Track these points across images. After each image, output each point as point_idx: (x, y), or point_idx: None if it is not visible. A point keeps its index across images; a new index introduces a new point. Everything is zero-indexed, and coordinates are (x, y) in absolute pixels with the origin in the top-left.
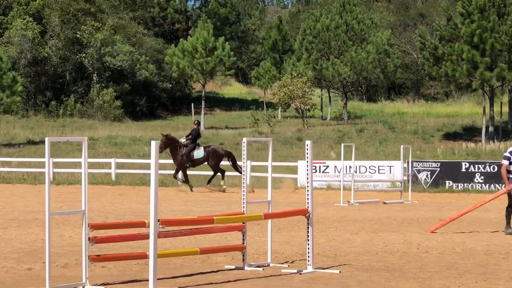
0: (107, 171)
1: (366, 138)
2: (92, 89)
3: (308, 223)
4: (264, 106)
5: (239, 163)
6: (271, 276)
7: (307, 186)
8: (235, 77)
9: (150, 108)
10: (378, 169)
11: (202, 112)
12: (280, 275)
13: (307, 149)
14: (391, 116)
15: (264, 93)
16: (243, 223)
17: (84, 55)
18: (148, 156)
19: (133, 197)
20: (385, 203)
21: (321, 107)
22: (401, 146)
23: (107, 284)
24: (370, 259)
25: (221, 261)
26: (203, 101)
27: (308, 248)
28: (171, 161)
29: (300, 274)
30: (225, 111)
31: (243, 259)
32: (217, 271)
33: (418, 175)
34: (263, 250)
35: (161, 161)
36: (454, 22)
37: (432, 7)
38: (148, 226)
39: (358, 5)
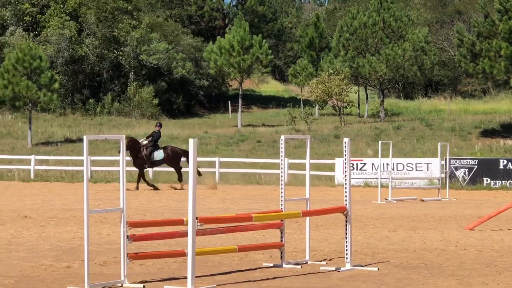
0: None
1: (403, 136)
2: (129, 87)
3: (346, 221)
4: (301, 104)
5: (276, 160)
6: (309, 273)
7: (345, 184)
8: (272, 75)
9: (187, 106)
10: (416, 167)
11: (239, 109)
12: (318, 272)
13: (345, 146)
14: (428, 114)
15: (301, 91)
16: (281, 220)
17: (120, 53)
18: None
19: (170, 195)
20: (422, 200)
21: (358, 105)
22: (439, 143)
23: (146, 282)
24: (408, 257)
25: (259, 259)
26: (240, 99)
27: (346, 245)
28: (207, 158)
29: (338, 271)
30: (262, 109)
31: (281, 257)
32: (255, 268)
33: (455, 172)
34: (301, 247)
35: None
36: (491, 19)
37: (469, 3)
38: (186, 224)
39: (396, 2)
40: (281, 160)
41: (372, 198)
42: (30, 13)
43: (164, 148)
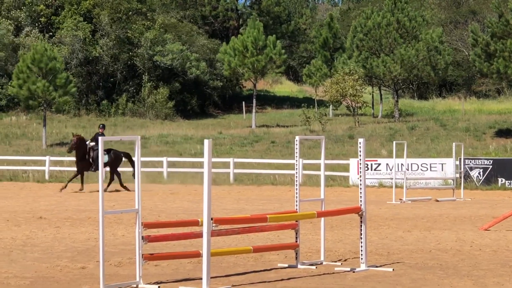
0: (159, 169)
1: (418, 136)
2: (143, 88)
3: (361, 221)
4: (315, 104)
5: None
6: (324, 274)
7: (360, 184)
8: (286, 75)
9: (201, 106)
10: (430, 167)
11: (253, 110)
12: (333, 273)
13: (360, 147)
14: (443, 114)
15: (315, 91)
16: (296, 221)
17: (134, 54)
18: (199, 154)
19: (185, 195)
20: (437, 200)
21: (372, 105)
22: (453, 143)
23: (161, 282)
24: (423, 257)
25: (274, 260)
26: (254, 99)
27: (361, 246)
28: (221, 159)
29: (353, 272)
30: (276, 109)
31: (296, 257)
32: (270, 269)
33: (470, 173)
34: (316, 248)
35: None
36: (506, 19)
37: (484, 3)
38: (201, 225)
39: (410, 2)
40: (296, 160)
41: (386, 198)
42: (44, 14)
43: (108, 152)
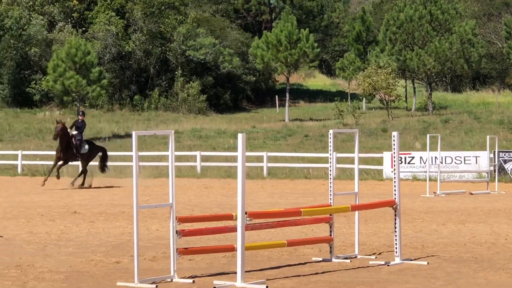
0: (192, 164)
1: (451, 129)
2: (176, 82)
3: (395, 215)
4: (349, 98)
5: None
6: (358, 268)
7: (394, 177)
8: (319, 69)
9: (234, 100)
10: (464, 160)
11: (287, 104)
12: (368, 266)
13: (394, 140)
14: (476, 106)
15: (349, 84)
16: (330, 215)
17: (167, 48)
18: (233, 148)
19: (219, 190)
20: (471, 193)
21: (406, 98)
22: (487, 136)
23: (195, 276)
24: (458, 250)
25: (308, 253)
26: (287, 93)
27: (396, 239)
28: (255, 153)
29: (388, 265)
30: (309, 103)
31: (331, 251)
32: (305, 263)
33: (504, 166)
34: (350, 242)
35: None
36: None
37: None
38: (235, 219)
39: None
40: (330, 154)
41: (420, 191)
42: (77, 9)
43: (88, 144)
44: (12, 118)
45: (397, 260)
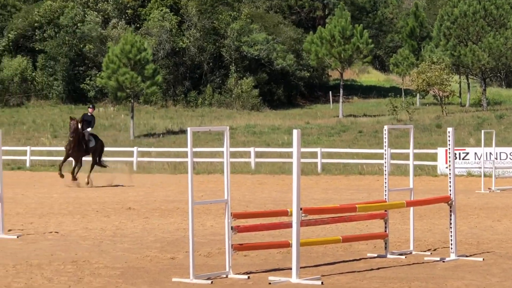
0: (246, 160)
1: (506, 125)
2: (229, 78)
3: (450, 211)
4: (402, 93)
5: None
6: (413, 264)
7: (449, 173)
8: (373, 65)
9: (288, 96)
10: None
11: (340, 100)
12: (423, 263)
13: (449, 136)
14: None
15: (402, 80)
16: (385, 211)
17: (221, 44)
18: (286, 145)
19: (273, 186)
20: None
21: (460, 94)
22: None
23: (250, 272)
24: None
25: (363, 249)
26: (341, 89)
27: (451, 235)
28: (309, 149)
29: (443, 262)
30: (363, 99)
31: (386, 247)
32: (359, 259)
33: None
34: (405, 238)
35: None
36: None
37: None
38: (290, 215)
39: None
40: (385, 150)
41: (475, 187)
42: (131, 6)
43: (96, 138)
44: (67, 115)
45: (452, 256)
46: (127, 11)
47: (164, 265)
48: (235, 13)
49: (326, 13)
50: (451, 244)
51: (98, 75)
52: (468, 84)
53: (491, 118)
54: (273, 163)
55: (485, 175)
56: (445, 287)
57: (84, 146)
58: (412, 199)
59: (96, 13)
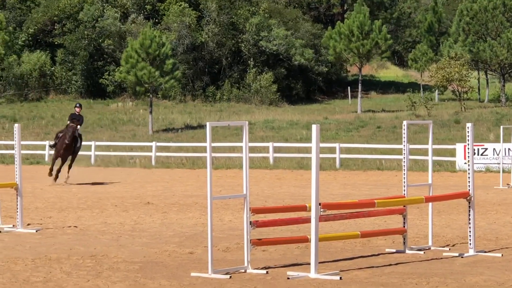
0: (265, 155)
1: None
2: (248, 73)
3: (469, 206)
4: (421, 89)
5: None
6: (432, 259)
7: (468, 169)
8: (391, 60)
9: (306, 92)
10: None
11: (359, 95)
12: (442, 258)
13: (468, 132)
14: None
15: (421, 76)
16: (404, 206)
17: (240, 40)
18: (305, 140)
19: (291, 181)
20: None
21: (478, 90)
22: None
23: (269, 267)
24: None
25: (382, 245)
26: (359, 85)
27: (470, 231)
28: (327, 144)
29: (462, 257)
30: (381, 94)
31: (404, 243)
32: (378, 254)
33: None
34: (423, 233)
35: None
36: None
37: None
38: (309, 210)
39: None
40: (404, 145)
41: (493, 183)
42: (150, 1)
43: (80, 137)
44: (85, 109)
45: (471, 252)
46: (146, 6)
47: (182, 259)
48: (253, 8)
49: (345, 9)
50: (470, 239)
51: (116, 70)
52: (487, 79)
53: (510, 114)
54: (292, 158)
55: (503, 171)
56: (463, 282)
57: (74, 147)
58: (430, 194)
59: (115, 8)
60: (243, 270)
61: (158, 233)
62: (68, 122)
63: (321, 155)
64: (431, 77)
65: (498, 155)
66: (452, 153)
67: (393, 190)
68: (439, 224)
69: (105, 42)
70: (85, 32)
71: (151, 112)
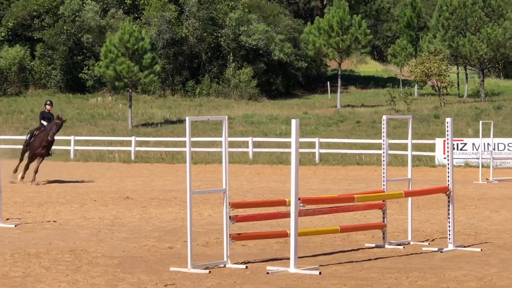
0: (244, 150)
1: (504, 115)
2: (227, 68)
3: (449, 201)
4: (400, 84)
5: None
6: (411, 254)
7: (448, 164)
8: (371, 55)
9: (286, 86)
10: None
11: (338, 90)
12: (421, 253)
13: (447, 126)
14: None
15: (401, 71)
16: (384, 201)
17: (219, 34)
18: (285, 134)
19: (271, 175)
20: None
21: (458, 85)
22: None
23: (248, 262)
24: None
25: (361, 239)
26: (339, 79)
27: (449, 226)
28: (307, 139)
29: (441, 252)
30: (361, 89)
31: (384, 237)
32: (357, 249)
33: None
34: (403, 228)
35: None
36: None
37: None
38: (289, 205)
39: None
40: (383, 140)
41: (473, 178)
42: None
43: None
44: (65, 104)
45: (451, 246)
46: (126, 1)
47: (162, 254)
48: (233, 2)
49: (324, 3)
50: (449, 234)
51: (96, 64)
52: (466, 75)
53: (489, 109)
54: (271, 153)
55: (483, 166)
56: (443, 277)
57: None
58: (410, 189)
59: (95, 2)
60: (222, 265)
61: (138, 228)
62: (43, 121)
63: (300, 150)
64: (410, 72)
65: (477, 150)
66: (432, 148)
67: (373, 185)
68: (418, 219)
69: (85, 36)
70: (65, 26)
71: (130, 107)
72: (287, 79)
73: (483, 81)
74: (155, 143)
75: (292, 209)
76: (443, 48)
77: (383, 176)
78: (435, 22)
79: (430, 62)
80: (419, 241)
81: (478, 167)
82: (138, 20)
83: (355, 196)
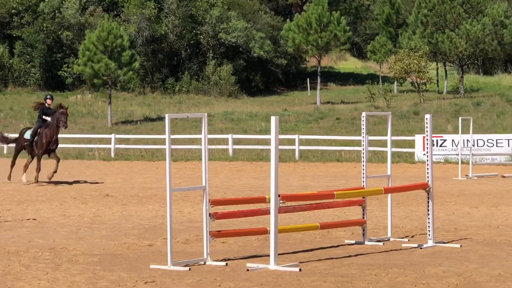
0: (224, 147)
1: (483, 112)
2: (207, 65)
3: (428, 197)
4: (380, 81)
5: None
6: (391, 250)
7: (427, 160)
8: (350, 52)
9: (266, 83)
10: (496, 143)
11: (318, 87)
12: (401, 249)
13: (427, 123)
14: (509, 89)
15: (380, 67)
16: (363, 197)
17: (199, 31)
18: (264, 131)
19: (251, 172)
20: (503, 176)
21: (437, 81)
22: None
23: (228, 259)
24: (491, 233)
25: (341, 236)
26: (318, 76)
27: (429, 222)
28: (287, 136)
29: (421, 248)
30: (341, 86)
31: (363, 234)
32: (337, 246)
33: None
34: (383, 224)
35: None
36: None
37: None
38: (269, 202)
39: None
40: (363, 137)
41: (452, 174)
42: None
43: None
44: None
45: (430, 243)
46: None
47: (142, 252)
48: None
49: (304, 0)
50: (429, 230)
51: (75, 62)
52: (446, 71)
53: (468, 105)
54: (251, 150)
55: (462, 162)
56: (422, 273)
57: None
58: (390, 185)
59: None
60: (202, 262)
61: (117, 226)
62: (46, 117)
63: (280, 147)
64: (390, 69)
65: (456, 146)
66: (411, 144)
67: (353, 181)
68: (398, 215)
69: (64, 34)
70: (44, 24)
71: (110, 104)
72: (267, 76)
73: (462, 77)
74: (135, 141)
75: (272, 206)
76: (423, 45)
77: (363, 173)
78: (414, 18)
79: (410, 58)
80: (399, 238)
81: (458, 163)
82: (117, 18)
83: (335, 192)
